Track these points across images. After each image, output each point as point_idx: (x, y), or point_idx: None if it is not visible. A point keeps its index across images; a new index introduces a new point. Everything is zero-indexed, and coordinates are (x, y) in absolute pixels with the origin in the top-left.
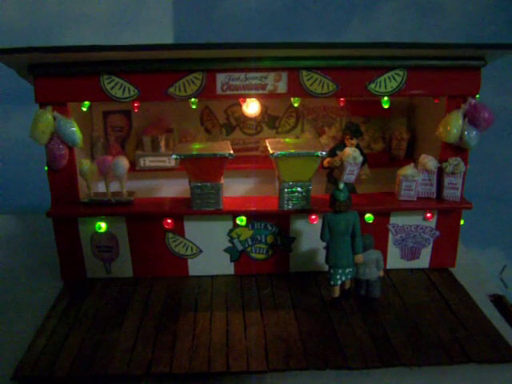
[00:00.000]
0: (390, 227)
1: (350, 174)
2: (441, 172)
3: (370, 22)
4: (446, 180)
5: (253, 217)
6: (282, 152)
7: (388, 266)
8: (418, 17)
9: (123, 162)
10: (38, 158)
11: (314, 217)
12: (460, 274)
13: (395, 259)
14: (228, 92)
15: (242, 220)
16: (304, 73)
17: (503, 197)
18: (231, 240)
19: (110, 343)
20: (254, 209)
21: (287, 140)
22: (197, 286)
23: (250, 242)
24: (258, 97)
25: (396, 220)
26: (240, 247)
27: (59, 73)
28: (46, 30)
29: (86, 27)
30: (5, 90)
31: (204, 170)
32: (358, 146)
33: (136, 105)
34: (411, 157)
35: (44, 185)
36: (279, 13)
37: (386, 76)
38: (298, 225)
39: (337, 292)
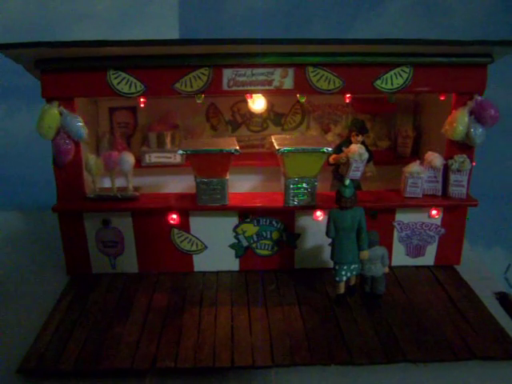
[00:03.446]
0: (395, 224)
1: (355, 171)
2: (446, 169)
3: (376, 20)
4: (452, 177)
5: (258, 213)
6: (288, 148)
7: (393, 263)
8: (423, 15)
9: (129, 157)
10: (44, 153)
11: (319, 213)
12: (465, 272)
13: (400, 256)
14: (234, 88)
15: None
16: (310, 69)
17: (509, 195)
18: (236, 236)
19: (115, 338)
20: (260, 205)
21: (293, 136)
22: (202, 282)
23: (256, 238)
24: (264, 93)
25: (401, 217)
26: (245, 243)
27: (66, 68)
28: (52, 26)
29: (93, 23)
30: (11, 85)
31: (210, 165)
32: (363, 143)
33: (142, 100)
34: (417, 154)
35: (50, 180)
36: (286, 9)
37: (392, 72)
38: (304, 221)
39: (342, 288)
